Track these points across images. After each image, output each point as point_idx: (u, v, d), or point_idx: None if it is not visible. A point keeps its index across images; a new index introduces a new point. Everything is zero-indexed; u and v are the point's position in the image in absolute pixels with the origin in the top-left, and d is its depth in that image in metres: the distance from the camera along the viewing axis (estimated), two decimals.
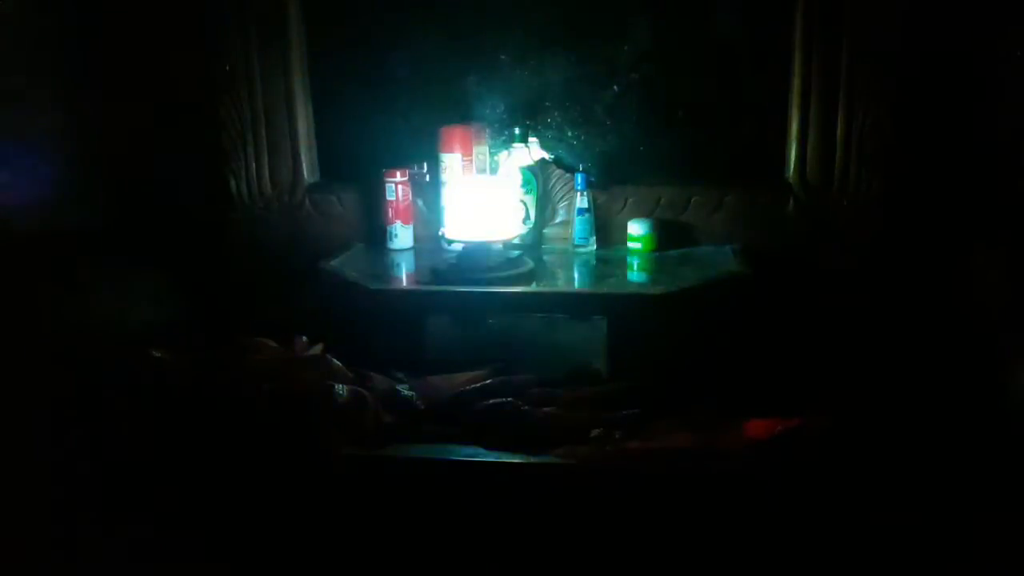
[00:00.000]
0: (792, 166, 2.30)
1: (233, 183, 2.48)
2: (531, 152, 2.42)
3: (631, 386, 1.95)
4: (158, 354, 1.95)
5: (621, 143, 2.42)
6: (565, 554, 1.65)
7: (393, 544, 1.68)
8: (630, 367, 2.01)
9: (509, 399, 1.89)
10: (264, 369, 1.92)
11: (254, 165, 2.47)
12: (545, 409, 1.87)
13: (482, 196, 2.18)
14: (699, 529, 1.66)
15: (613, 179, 2.40)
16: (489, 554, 1.65)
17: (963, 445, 1.75)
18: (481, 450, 1.79)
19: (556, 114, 2.44)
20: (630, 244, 2.32)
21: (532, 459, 1.75)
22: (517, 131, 2.41)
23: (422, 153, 2.45)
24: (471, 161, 2.38)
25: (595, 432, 1.82)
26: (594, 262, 2.30)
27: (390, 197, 2.40)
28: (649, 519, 1.66)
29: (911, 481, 1.68)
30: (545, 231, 2.42)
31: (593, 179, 2.35)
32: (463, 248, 2.17)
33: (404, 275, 2.30)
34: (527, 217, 2.38)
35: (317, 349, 2.01)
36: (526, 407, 1.87)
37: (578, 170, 2.34)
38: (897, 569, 1.59)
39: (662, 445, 1.78)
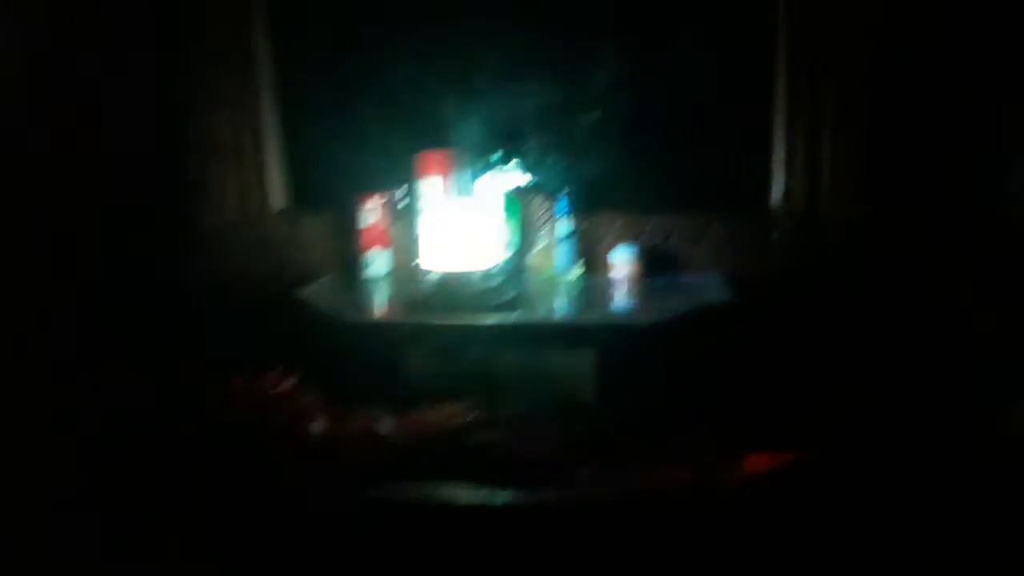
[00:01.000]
0: (777, 192, 2.26)
1: (200, 209, 2.38)
2: (512, 178, 2.35)
3: (620, 420, 1.88)
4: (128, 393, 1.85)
5: (604, 169, 2.37)
6: None
7: None
8: (619, 399, 1.95)
9: (494, 434, 1.81)
10: (235, 406, 1.82)
11: (219, 192, 2.38)
12: (531, 445, 1.80)
13: (461, 223, 2.10)
14: (694, 565, 1.60)
15: (597, 206, 2.35)
16: None
17: (953, 472, 1.72)
18: (465, 488, 1.71)
19: (537, 139, 2.38)
20: (614, 272, 2.26)
21: (518, 499, 1.67)
22: (497, 156, 2.34)
23: (398, 178, 2.37)
24: (450, 186, 2.31)
25: (584, 470, 1.75)
26: (578, 291, 2.23)
27: (365, 223, 2.32)
28: (642, 557, 1.60)
29: (903, 510, 1.64)
30: (527, 258, 2.35)
31: (576, 205, 2.29)
32: (442, 277, 2.09)
33: (379, 305, 2.22)
34: (508, 244, 2.30)
35: (290, 383, 1.91)
36: (511, 443, 1.80)
37: (560, 196, 2.28)
38: None
39: (653, 482, 1.72)
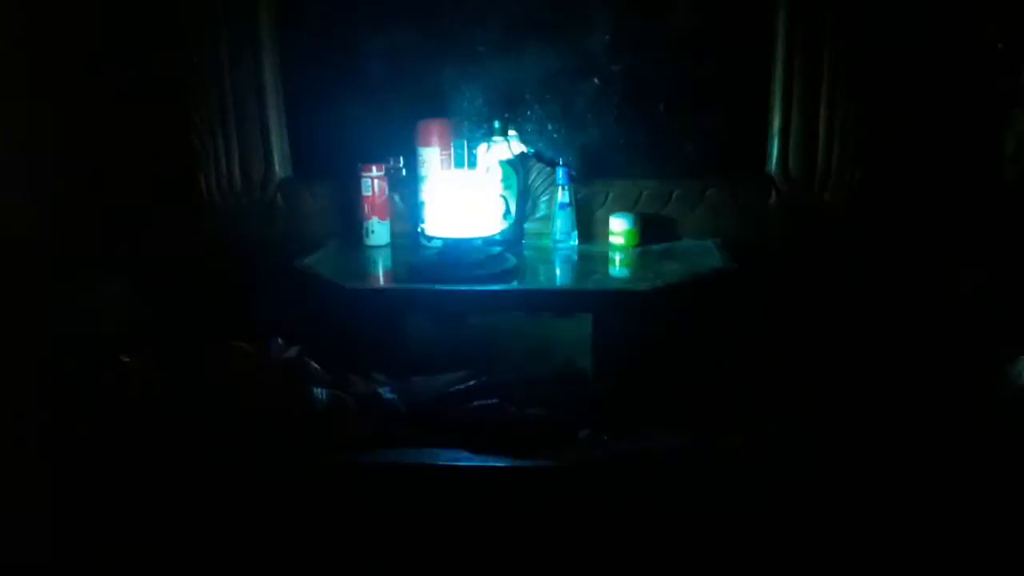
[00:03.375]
0: (774, 159, 2.28)
1: (203, 180, 2.40)
2: (511, 146, 2.36)
3: (618, 385, 1.92)
4: (127, 359, 1.88)
5: (602, 137, 2.37)
6: (553, 559, 1.61)
7: (376, 553, 1.63)
8: (616, 364, 1.98)
9: (494, 400, 1.84)
10: (240, 375, 1.86)
11: (224, 161, 2.40)
12: (531, 410, 1.83)
13: (461, 191, 2.12)
14: (689, 530, 1.63)
15: (594, 173, 2.36)
16: (475, 561, 1.60)
17: (949, 441, 1.75)
18: (465, 454, 1.74)
19: (536, 107, 2.38)
20: (612, 239, 2.28)
21: (518, 463, 1.71)
22: (496, 125, 2.35)
23: (399, 147, 2.39)
24: (449, 155, 2.33)
25: (582, 434, 1.79)
26: (576, 258, 2.26)
27: (366, 192, 2.34)
28: (639, 521, 1.64)
29: (899, 477, 1.67)
30: (526, 226, 2.37)
31: (574, 173, 2.31)
32: (443, 245, 2.11)
33: (382, 273, 2.25)
34: (507, 212, 2.32)
35: (294, 352, 1.95)
36: (511, 408, 1.83)
37: (559, 164, 2.30)
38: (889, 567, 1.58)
39: (649, 446, 1.75)
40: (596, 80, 2.35)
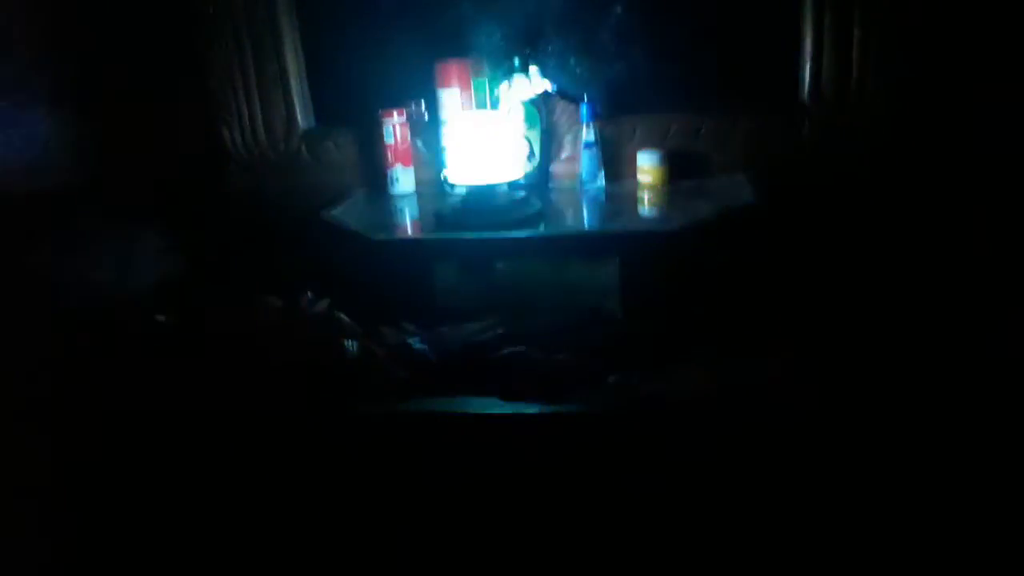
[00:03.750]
0: (806, 88, 2.19)
1: (227, 133, 2.40)
2: (533, 84, 2.31)
3: (647, 327, 1.91)
4: (163, 319, 1.92)
5: (627, 70, 2.30)
6: (584, 503, 1.63)
7: (408, 502, 1.66)
8: (645, 307, 1.96)
9: (523, 347, 1.85)
10: (270, 329, 1.88)
11: (247, 113, 2.39)
12: (560, 356, 1.83)
13: (484, 134, 2.08)
14: (720, 475, 1.64)
15: (620, 109, 2.30)
16: (507, 506, 1.63)
17: (970, 381, 1.72)
18: (497, 401, 1.76)
19: (557, 41, 2.31)
20: (640, 177, 2.23)
21: (548, 409, 1.72)
22: (516, 61, 2.29)
23: (419, 91, 2.35)
24: (470, 96, 2.28)
25: (612, 377, 1.79)
26: (603, 199, 2.22)
27: (388, 139, 2.31)
28: (669, 466, 1.65)
29: (913, 418, 1.65)
30: (551, 168, 2.33)
31: (599, 110, 2.25)
32: (468, 192, 2.09)
33: (408, 223, 2.24)
34: (531, 154, 2.29)
35: (323, 305, 1.96)
36: (540, 355, 1.84)
37: (583, 101, 2.24)
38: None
39: (680, 389, 1.75)
40: (619, 9, 2.27)
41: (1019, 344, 1.72)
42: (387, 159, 2.32)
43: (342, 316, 1.94)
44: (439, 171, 2.22)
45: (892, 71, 2.10)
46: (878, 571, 1.54)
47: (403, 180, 2.34)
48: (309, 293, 1.99)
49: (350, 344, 1.86)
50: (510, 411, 1.73)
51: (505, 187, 2.08)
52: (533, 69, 2.31)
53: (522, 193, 2.13)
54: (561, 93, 2.32)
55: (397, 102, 2.31)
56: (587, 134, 2.22)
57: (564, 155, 2.32)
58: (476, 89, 2.29)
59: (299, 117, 2.41)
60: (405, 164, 2.34)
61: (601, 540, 1.59)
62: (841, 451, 1.60)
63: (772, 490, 1.60)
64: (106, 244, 2.20)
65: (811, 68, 2.17)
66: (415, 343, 1.89)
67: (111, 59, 2.34)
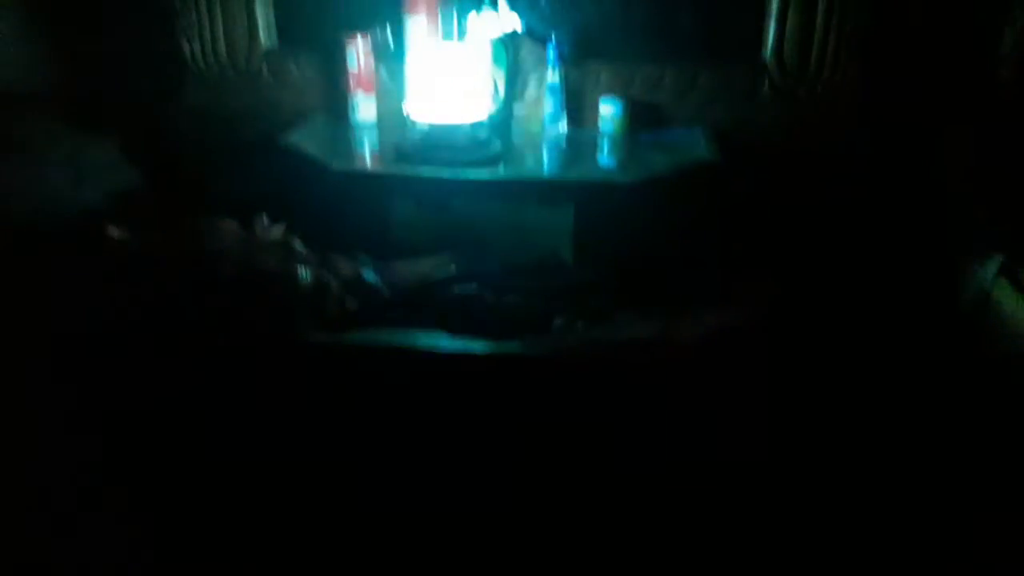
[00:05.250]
0: (769, 46, 2.22)
1: (187, 47, 2.33)
2: (501, 19, 2.28)
3: (596, 276, 1.96)
4: (116, 233, 1.91)
5: (596, 14, 2.29)
6: (526, 444, 1.70)
7: (351, 433, 1.71)
8: (597, 256, 2.02)
9: (474, 286, 1.89)
10: (225, 251, 1.89)
11: (208, 27, 2.32)
12: (509, 297, 1.89)
13: (449, 68, 2.07)
14: (658, 417, 1.71)
15: (586, 54, 2.30)
16: (449, 443, 1.70)
17: (924, 334, 1.81)
18: (445, 337, 1.81)
19: None
20: (601, 125, 2.25)
21: (495, 348, 1.78)
22: None
23: (385, 16, 2.30)
24: (437, 25, 2.25)
25: (558, 321, 1.85)
26: (564, 145, 2.23)
27: (351, 65, 2.28)
28: (609, 409, 1.72)
29: (870, 369, 1.74)
30: (515, 108, 2.33)
31: (565, 52, 2.24)
32: (429, 128, 2.09)
33: (367, 154, 2.23)
34: (496, 94, 2.28)
35: (279, 230, 1.98)
36: (490, 295, 1.88)
37: (550, 41, 2.23)
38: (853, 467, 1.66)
39: (623, 335, 1.82)
40: None
41: None
42: (349, 85, 2.30)
43: (297, 241, 1.96)
44: (401, 101, 2.21)
45: (854, 38, 2.14)
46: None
47: (364, 108, 2.32)
48: (265, 216, 2.00)
49: (303, 270, 1.88)
50: (457, 348, 1.79)
51: (467, 126, 2.09)
52: (502, 3, 2.28)
53: (484, 134, 2.13)
54: (529, 32, 2.30)
55: (363, 26, 2.27)
56: (552, 76, 2.22)
57: (528, 97, 2.32)
58: (444, 18, 2.25)
59: (262, 35, 2.35)
60: (367, 92, 2.31)
61: (534, 480, 1.66)
62: (780, 408, 1.69)
63: (711, 439, 1.68)
64: (55, 153, 2.16)
65: (775, 27, 2.19)
66: (368, 274, 1.92)
67: None
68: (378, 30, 2.31)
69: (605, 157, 2.17)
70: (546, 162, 2.21)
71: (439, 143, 2.06)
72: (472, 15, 2.28)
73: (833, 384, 1.72)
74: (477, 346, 1.78)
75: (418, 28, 2.24)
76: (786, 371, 1.73)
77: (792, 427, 1.70)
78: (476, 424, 1.70)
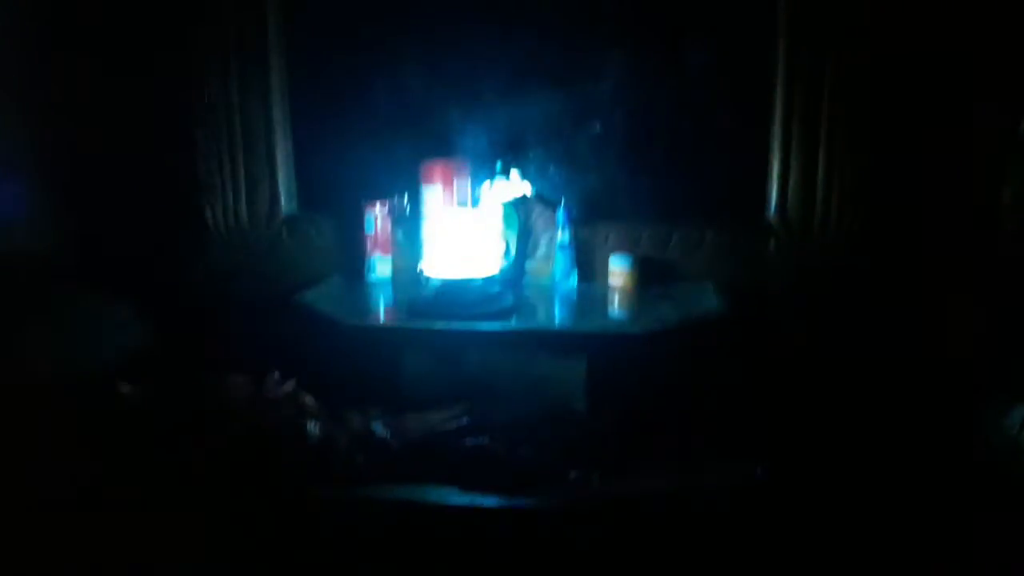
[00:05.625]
0: (773, 206, 2.30)
1: (209, 212, 2.45)
2: (513, 186, 2.40)
3: (610, 427, 1.92)
4: (126, 389, 1.91)
5: (603, 179, 2.41)
6: None
7: None
8: (609, 406, 1.99)
9: (486, 439, 1.85)
10: (235, 406, 1.88)
11: (231, 194, 2.45)
12: (521, 449, 1.84)
13: (463, 230, 2.15)
14: (677, 572, 1.63)
15: (595, 215, 2.39)
16: None
17: (935, 487, 1.75)
18: (456, 491, 1.75)
19: (539, 149, 2.43)
20: (611, 280, 2.29)
21: (507, 502, 1.72)
22: (499, 165, 2.39)
23: (403, 185, 2.43)
24: (452, 194, 2.36)
25: (573, 474, 1.80)
26: (575, 298, 2.27)
27: (369, 229, 2.37)
28: (627, 563, 1.64)
29: (889, 519, 1.67)
30: (526, 265, 2.39)
31: (574, 214, 2.33)
32: (442, 283, 2.13)
33: (381, 310, 2.27)
34: (508, 252, 2.35)
35: (290, 386, 1.97)
36: (502, 448, 1.84)
37: (559, 205, 2.33)
38: None
39: (640, 488, 1.75)
40: (598, 124, 2.40)
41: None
42: (366, 247, 2.38)
43: (307, 397, 1.94)
44: (416, 262, 2.27)
45: (856, 195, 2.22)
46: None
47: (380, 268, 2.39)
48: (276, 373, 2.00)
49: (312, 425, 1.86)
50: (468, 503, 1.72)
51: (480, 281, 2.13)
52: (514, 173, 2.41)
53: (496, 288, 2.17)
54: (539, 196, 2.41)
55: (381, 194, 2.38)
56: (562, 236, 2.30)
57: (539, 254, 2.39)
58: (459, 188, 2.37)
59: (283, 201, 2.47)
60: (384, 253, 2.39)
61: None
62: (799, 553, 1.60)
63: None
64: (78, 315, 2.20)
65: (778, 189, 2.28)
66: (378, 428, 1.89)
67: (95, 130, 2.41)
68: (396, 197, 2.42)
69: (615, 309, 2.19)
70: (558, 314, 2.23)
71: (452, 297, 2.09)
72: (485, 184, 2.40)
73: (859, 535, 1.65)
74: (489, 500, 1.72)
75: (434, 196, 2.35)
76: (809, 524, 1.66)
77: None
78: None
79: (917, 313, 2.21)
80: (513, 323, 2.05)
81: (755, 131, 2.29)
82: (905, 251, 2.25)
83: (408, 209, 2.44)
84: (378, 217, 2.37)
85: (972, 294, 2.16)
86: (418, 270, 2.22)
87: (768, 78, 2.25)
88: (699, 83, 2.33)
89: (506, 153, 2.42)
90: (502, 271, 2.26)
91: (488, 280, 2.16)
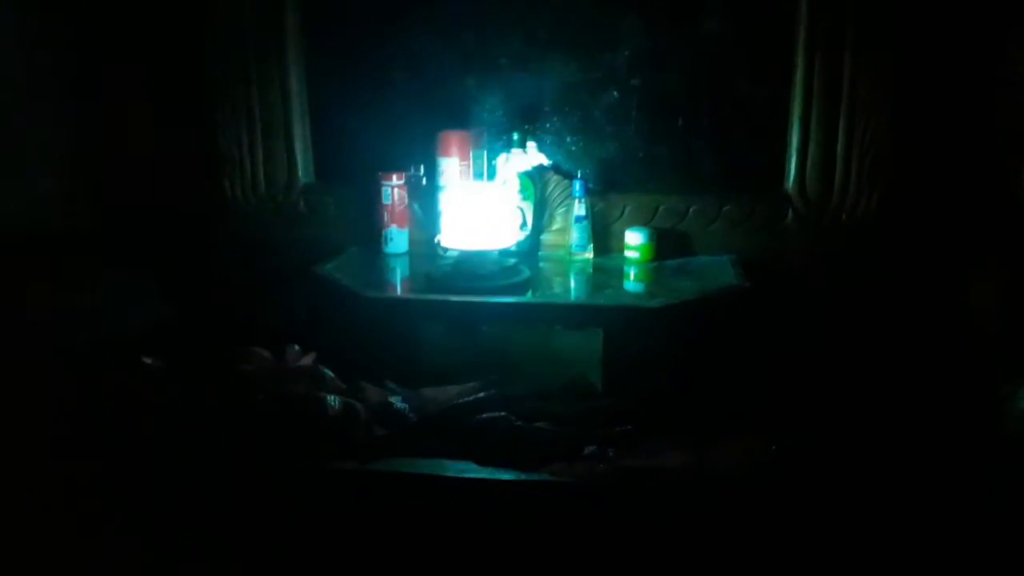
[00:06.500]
0: (791, 177, 2.28)
1: (227, 184, 2.46)
2: (529, 157, 2.39)
3: (626, 401, 1.93)
4: (149, 361, 1.94)
5: (620, 150, 2.40)
6: (555, 573, 1.63)
7: (380, 560, 1.66)
8: (626, 380, 1.99)
9: (502, 413, 1.87)
10: (255, 379, 1.90)
11: (249, 165, 2.45)
12: (538, 424, 1.86)
13: (479, 202, 2.15)
14: (692, 548, 1.65)
15: (612, 187, 2.38)
16: (478, 573, 1.63)
17: (956, 461, 1.75)
18: (472, 465, 1.77)
19: (555, 120, 2.41)
20: (627, 253, 2.29)
21: (524, 476, 1.74)
22: (515, 136, 2.38)
23: (419, 157, 2.42)
24: (468, 166, 2.36)
25: (589, 449, 1.81)
26: (591, 271, 2.27)
27: (386, 201, 2.37)
28: (642, 538, 1.65)
29: (902, 496, 1.67)
30: (542, 238, 2.39)
31: (591, 186, 2.32)
32: (459, 256, 2.14)
33: (399, 282, 2.28)
34: (524, 224, 2.35)
35: (309, 359, 1.99)
36: (519, 422, 1.85)
37: (576, 177, 2.32)
38: None
39: (656, 463, 1.77)
40: (616, 94, 2.37)
41: None
42: (383, 219, 2.38)
43: (326, 370, 1.96)
44: (433, 234, 2.28)
45: (875, 167, 2.19)
46: None
47: (397, 240, 2.39)
48: (296, 346, 2.02)
49: (332, 399, 1.88)
50: (484, 476, 1.74)
51: (496, 254, 2.13)
52: (531, 144, 2.39)
53: (512, 260, 2.18)
54: (556, 168, 2.40)
55: (397, 165, 2.38)
56: (579, 208, 2.29)
57: (555, 226, 2.38)
58: (475, 159, 2.36)
59: (300, 172, 2.47)
60: (400, 225, 2.39)
61: None
62: (815, 530, 1.61)
63: (743, 566, 1.60)
64: (100, 289, 2.23)
65: (797, 160, 2.26)
66: (396, 402, 1.91)
67: (116, 105, 2.42)
68: (412, 168, 2.41)
69: (632, 283, 2.19)
70: (574, 287, 2.24)
71: (468, 270, 2.10)
72: (501, 156, 2.39)
73: (879, 510, 1.66)
74: (505, 474, 1.74)
75: (451, 168, 2.34)
76: (828, 499, 1.67)
77: (833, 560, 1.62)
78: (505, 554, 1.64)
79: (939, 285, 2.19)
80: (529, 296, 2.06)
81: (774, 101, 2.26)
82: (927, 222, 2.22)
83: (424, 180, 2.43)
84: (394, 188, 2.37)
85: (995, 266, 2.14)
86: (436, 241, 2.22)
87: (788, 47, 2.21)
88: (717, 52, 2.30)
89: (523, 124, 2.40)
90: (518, 244, 2.26)
91: (504, 253, 2.16)
